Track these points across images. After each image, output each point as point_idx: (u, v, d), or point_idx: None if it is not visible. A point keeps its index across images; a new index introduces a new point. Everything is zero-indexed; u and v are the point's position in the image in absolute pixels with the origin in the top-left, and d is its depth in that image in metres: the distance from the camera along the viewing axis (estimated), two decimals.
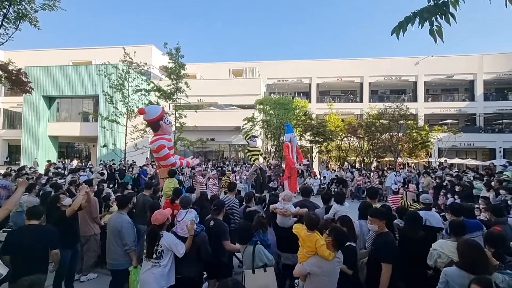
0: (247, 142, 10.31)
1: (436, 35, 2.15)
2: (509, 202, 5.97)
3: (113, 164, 13.47)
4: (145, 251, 2.98)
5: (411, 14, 2.16)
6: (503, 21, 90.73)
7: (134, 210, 5.03)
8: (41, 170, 13.75)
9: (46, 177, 8.49)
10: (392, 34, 2.26)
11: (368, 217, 3.05)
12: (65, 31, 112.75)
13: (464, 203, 5.26)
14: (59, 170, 12.20)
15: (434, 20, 2.10)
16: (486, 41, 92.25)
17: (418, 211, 4.24)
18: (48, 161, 14.85)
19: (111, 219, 3.50)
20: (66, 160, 18.04)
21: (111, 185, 9.95)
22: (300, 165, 10.19)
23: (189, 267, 3.10)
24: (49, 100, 21.09)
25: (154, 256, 2.91)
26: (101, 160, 16.52)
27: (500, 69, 24.73)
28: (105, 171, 11.62)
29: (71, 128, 20.99)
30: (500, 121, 25.47)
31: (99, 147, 18.02)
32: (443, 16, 2.08)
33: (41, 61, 23.11)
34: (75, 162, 17.69)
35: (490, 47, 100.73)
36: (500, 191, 6.62)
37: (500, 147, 22.90)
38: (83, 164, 15.22)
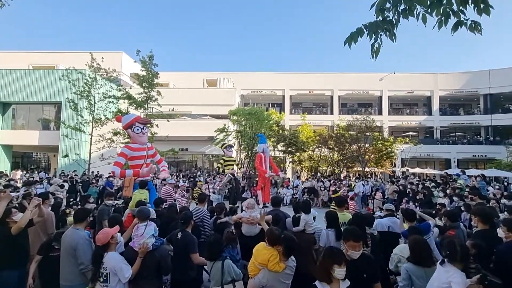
0: (223, 151, 10.21)
1: (375, 52, 2.32)
2: (462, 208, 6.49)
3: (75, 175, 12.57)
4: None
5: (362, 26, 2.31)
6: (454, 42, 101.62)
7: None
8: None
9: None
10: (344, 45, 2.38)
11: (352, 242, 2.36)
12: (26, 33, 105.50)
13: (427, 210, 5.61)
14: (12, 182, 11.08)
15: (379, 36, 2.27)
16: (440, 60, 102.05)
17: (382, 218, 4.50)
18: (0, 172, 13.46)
19: (65, 235, 3.20)
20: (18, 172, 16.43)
21: (72, 199, 9.23)
22: (279, 174, 10.34)
23: (148, 285, 2.92)
24: (4, 106, 19.36)
25: (101, 279, 2.71)
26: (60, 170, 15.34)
27: (452, 86, 27.41)
28: (65, 184, 10.78)
29: (29, 137, 19.33)
30: (454, 133, 27.98)
31: (60, 157, 16.77)
32: (388, 33, 2.25)
33: None
34: (18, 173, 16.04)
35: (444, 66, 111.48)
36: (454, 198, 7.19)
37: (454, 157, 25.08)
38: (30, 175, 13.83)
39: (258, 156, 9.07)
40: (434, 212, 6.00)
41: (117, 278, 2.71)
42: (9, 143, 19.43)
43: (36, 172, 17.34)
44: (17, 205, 4.68)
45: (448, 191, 8.40)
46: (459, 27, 2.06)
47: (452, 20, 2.09)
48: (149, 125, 6.85)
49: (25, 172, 17.44)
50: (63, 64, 21.49)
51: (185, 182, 10.91)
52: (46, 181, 11.44)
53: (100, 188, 11.89)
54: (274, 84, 28.55)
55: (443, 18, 2.00)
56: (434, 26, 2.07)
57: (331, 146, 19.26)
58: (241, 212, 4.49)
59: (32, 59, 24.50)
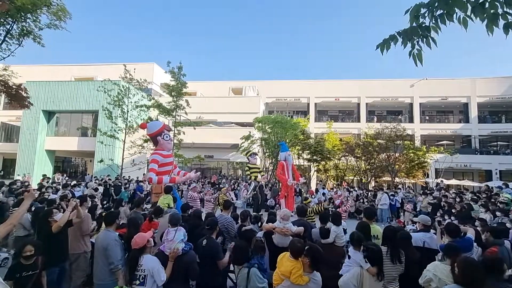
0: (248, 159, 10.33)
1: (416, 58, 2.20)
2: (507, 224, 5.91)
3: (109, 179, 13.33)
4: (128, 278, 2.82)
5: (396, 33, 2.23)
6: (494, 45, 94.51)
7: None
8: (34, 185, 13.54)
9: (39, 192, 8.34)
10: (376, 48, 2.33)
11: None
12: (69, 47, 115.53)
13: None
14: (54, 185, 12.01)
15: (416, 43, 2.17)
16: (478, 65, 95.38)
17: (416, 233, 4.18)
18: (44, 175, 14.67)
19: (98, 236, 3.41)
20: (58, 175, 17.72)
21: (105, 202, 9.79)
22: (300, 180, 10.19)
23: None
24: (49, 115, 21.19)
25: (137, 282, 2.76)
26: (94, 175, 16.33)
27: (493, 92, 25.41)
28: (100, 187, 11.48)
29: (69, 143, 20.94)
30: (495, 143, 25.77)
31: (96, 162, 17.90)
32: (424, 40, 2.15)
33: (44, 76, 23.48)
34: (57, 176, 17.26)
35: (482, 71, 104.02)
36: (497, 212, 6.59)
37: (496, 169, 23.02)
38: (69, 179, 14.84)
39: (280, 164, 9.03)
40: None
41: (153, 280, 2.76)
42: (53, 149, 21.18)
43: (89, 175, 18.49)
44: (61, 207, 5.06)
45: (490, 205, 7.71)
46: (509, 29, 1.88)
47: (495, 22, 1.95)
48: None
49: (65, 175, 18.77)
50: (101, 76, 23.20)
51: (210, 189, 11.12)
52: (84, 184, 12.26)
53: (131, 192, 12.49)
54: (298, 92, 28.42)
55: (491, 21, 1.86)
56: (489, 33, 1.91)
57: (358, 155, 18.63)
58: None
59: (74, 72, 26.79)
